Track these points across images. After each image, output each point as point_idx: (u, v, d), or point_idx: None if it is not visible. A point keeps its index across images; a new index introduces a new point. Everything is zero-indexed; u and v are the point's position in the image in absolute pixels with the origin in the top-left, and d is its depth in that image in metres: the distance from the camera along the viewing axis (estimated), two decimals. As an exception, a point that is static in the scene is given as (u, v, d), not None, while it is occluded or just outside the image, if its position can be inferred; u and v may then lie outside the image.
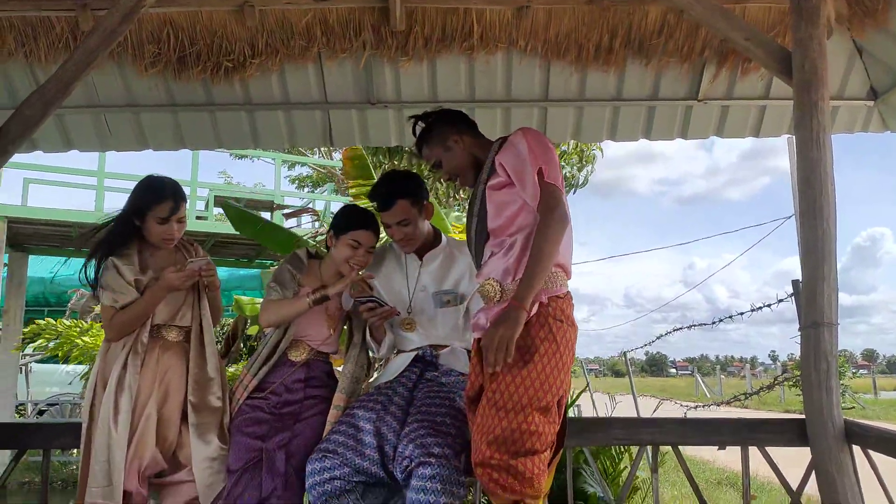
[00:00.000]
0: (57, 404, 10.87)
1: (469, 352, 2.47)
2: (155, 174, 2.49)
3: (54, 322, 6.62)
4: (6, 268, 9.35)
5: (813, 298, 2.44)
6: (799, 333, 2.60)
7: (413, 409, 2.30)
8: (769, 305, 3.53)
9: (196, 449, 2.30)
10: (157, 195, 2.38)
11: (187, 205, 2.86)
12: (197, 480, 2.28)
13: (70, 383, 11.30)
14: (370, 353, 2.62)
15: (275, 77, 3.24)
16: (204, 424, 2.34)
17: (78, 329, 6.46)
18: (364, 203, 4.66)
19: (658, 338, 5.41)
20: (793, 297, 2.69)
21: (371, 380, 2.82)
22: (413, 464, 2.06)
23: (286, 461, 2.24)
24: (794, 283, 2.68)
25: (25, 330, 6.97)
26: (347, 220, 2.48)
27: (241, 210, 4.21)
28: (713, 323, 4.29)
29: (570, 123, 3.49)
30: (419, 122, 2.38)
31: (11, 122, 2.49)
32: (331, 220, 2.58)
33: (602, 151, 6.31)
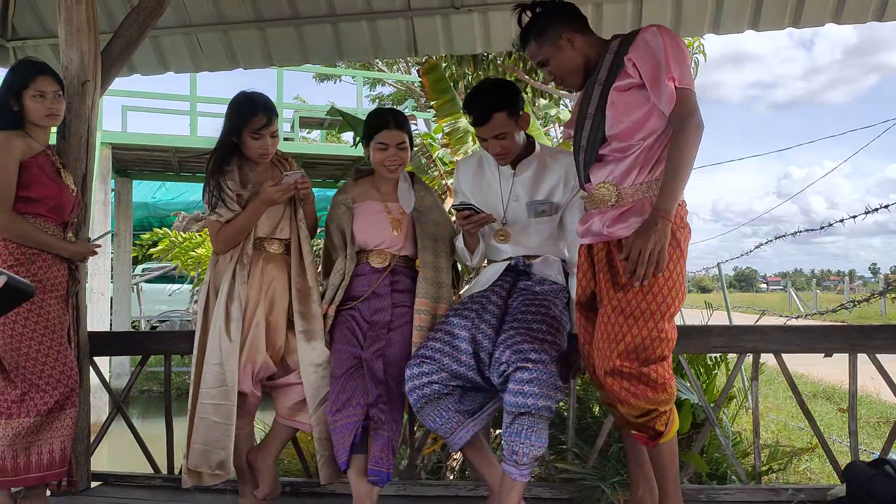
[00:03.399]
0: (167, 321, 11.70)
1: (562, 261, 2.44)
2: (246, 90, 2.51)
3: (170, 231, 7.06)
4: (113, 193, 9.94)
5: (942, 197, 2.25)
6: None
7: (508, 317, 2.30)
8: (887, 206, 3.24)
9: (304, 354, 2.41)
10: (250, 109, 2.42)
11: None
12: (305, 384, 2.40)
13: (169, 294, 12.00)
14: (458, 264, 2.62)
15: (358, -16, 3.19)
16: (310, 331, 2.44)
17: (191, 242, 6.86)
18: (449, 119, 4.58)
19: (756, 247, 5.15)
20: (916, 197, 2.49)
21: (463, 290, 2.84)
22: (510, 368, 2.08)
23: (384, 369, 2.33)
24: (919, 181, 2.47)
25: (144, 236, 7.42)
26: (369, 126, 2.50)
27: (355, 116, 4.31)
28: (821, 228, 3.98)
29: (669, 15, 3.24)
30: (526, 12, 2.15)
31: (112, 43, 2.57)
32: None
33: (705, 56, 5.84)
